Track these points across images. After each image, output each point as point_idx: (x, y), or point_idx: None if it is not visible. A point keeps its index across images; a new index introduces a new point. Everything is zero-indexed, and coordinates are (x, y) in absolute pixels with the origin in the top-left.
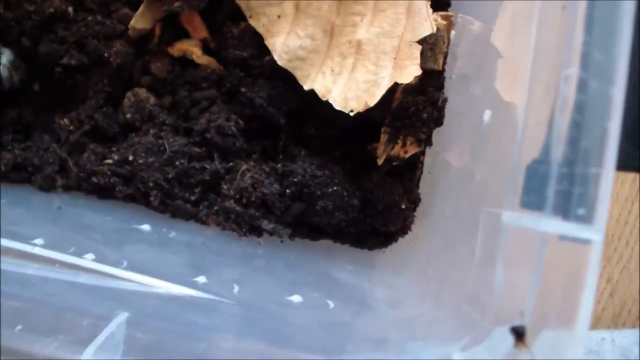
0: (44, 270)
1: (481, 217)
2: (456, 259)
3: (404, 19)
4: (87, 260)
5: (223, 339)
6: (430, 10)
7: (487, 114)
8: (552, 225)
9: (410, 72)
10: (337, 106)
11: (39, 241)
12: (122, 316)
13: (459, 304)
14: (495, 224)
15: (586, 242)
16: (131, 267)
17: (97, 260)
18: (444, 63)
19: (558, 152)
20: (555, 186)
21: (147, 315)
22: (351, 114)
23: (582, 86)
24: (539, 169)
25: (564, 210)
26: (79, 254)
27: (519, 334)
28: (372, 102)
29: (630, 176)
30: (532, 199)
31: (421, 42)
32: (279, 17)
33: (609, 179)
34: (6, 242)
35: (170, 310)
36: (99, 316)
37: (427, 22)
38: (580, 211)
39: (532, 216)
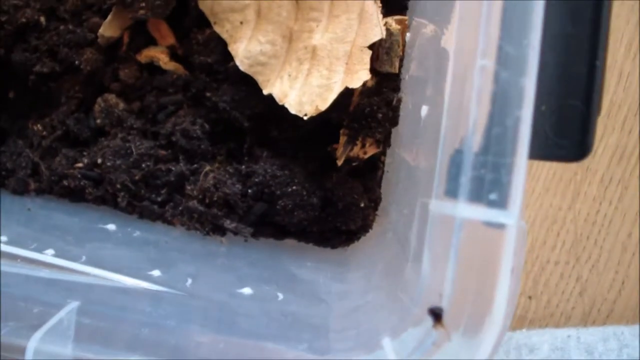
0: (4, 265)
1: (416, 208)
2: (399, 252)
3: (356, 24)
4: (47, 255)
5: (168, 326)
6: (381, 16)
7: (423, 110)
8: (468, 210)
9: (360, 77)
10: (292, 110)
11: (3, 238)
12: (73, 304)
13: (395, 292)
14: (424, 213)
15: (501, 226)
16: (90, 262)
17: (57, 255)
18: (400, 66)
19: (474, 141)
20: (471, 173)
21: (97, 304)
22: (305, 117)
23: (495, 77)
24: (458, 159)
25: (478, 196)
26: (40, 250)
27: (436, 315)
28: (324, 106)
29: (598, 175)
30: (452, 187)
31: (375, 46)
32: (241, 23)
33: (521, 165)
34: None
35: (120, 300)
36: (51, 305)
37: (377, 28)
38: (493, 196)
39: (451, 203)
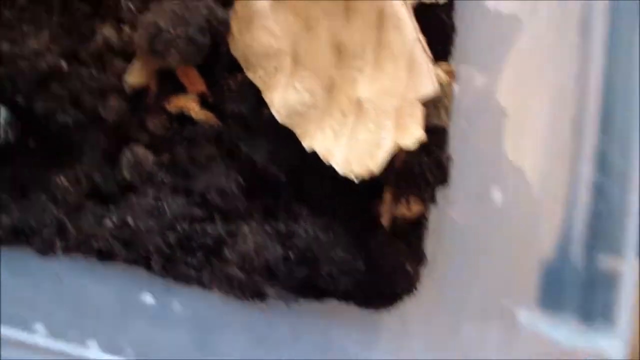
0: None
1: (492, 306)
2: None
3: (404, 76)
4: (92, 350)
5: None
6: (432, 66)
7: (496, 194)
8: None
9: (413, 134)
10: (341, 171)
11: (39, 327)
12: None
13: None
14: (509, 320)
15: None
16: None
17: (101, 345)
18: (448, 119)
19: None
20: (577, 291)
21: None
22: (355, 180)
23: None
24: (556, 268)
25: (585, 317)
26: (82, 339)
27: None
28: (376, 167)
29: None
30: (550, 300)
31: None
32: (276, 69)
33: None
34: (6, 331)
35: None
36: None
37: (429, 80)
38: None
39: (551, 320)
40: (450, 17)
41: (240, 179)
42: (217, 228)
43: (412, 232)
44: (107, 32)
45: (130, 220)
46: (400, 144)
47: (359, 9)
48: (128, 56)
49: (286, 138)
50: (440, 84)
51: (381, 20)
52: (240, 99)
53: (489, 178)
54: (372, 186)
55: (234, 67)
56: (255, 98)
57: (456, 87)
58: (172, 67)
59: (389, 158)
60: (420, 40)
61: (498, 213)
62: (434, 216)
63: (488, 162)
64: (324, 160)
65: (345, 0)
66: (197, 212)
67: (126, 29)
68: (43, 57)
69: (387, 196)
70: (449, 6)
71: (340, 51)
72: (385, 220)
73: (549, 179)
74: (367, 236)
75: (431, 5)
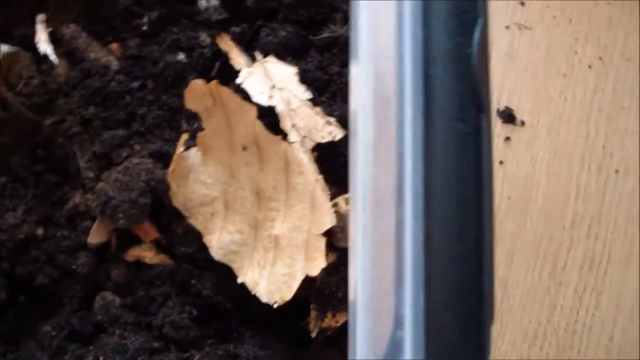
0: None
1: None
2: None
3: (309, 213)
4: None
5: None
6: (329, 203)
7: None
8: None
9: (318, 265)
10: (263, 299)
11: None
12: None
13: None
14: None
15: None
16: None
17: None
18: None
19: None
20: None
21: None
22: (275, 306)
23: None
24: None
25: None
26: None
27: None
28: (289, 296)
29: (572, 286)
30: None
31: (327, 232)
32: (212, 215)
33: None
34: None
35: None
36: None
37: (328, 216)
38: None
39: None
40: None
41: (194, 310)
42: (172, 358)
43: (343, 338)
44: (75, 198)
45: (101, 358)
46: (309, 273)
47: (270, 158)
48: (93, 217)
49: (228, 272)
50: (343, 215)
51: (287, 165)
52: (187, 242)
53: None
54: (303, 305)
55: (180, 214)
56: (199, 240)
57: None
58: (124, 226)
59: (299, 285)
60: (319, 181)
61: None
62: None
63: None
64: (251, 291)
65: (259, 150)
66: (156, 345)
67: (89, 195)
68: (20, 228)
69: (313, 313)
70: (347, 139)
71: (259, 194)
72: (314, 333)
73: None
74: (302, 348)
75: (331, 142)
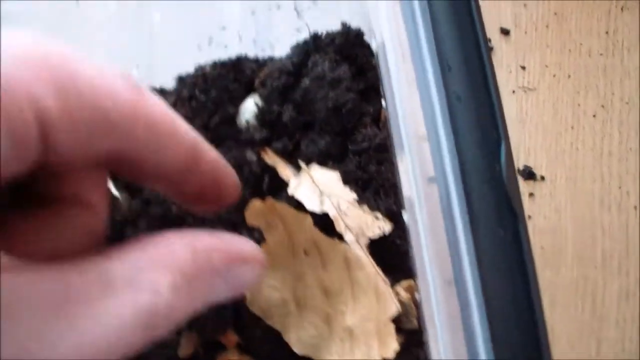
0: None
1: None
2: None
3: (375, 303)
4: None
5: None
6: (391, 291)
7: None
8: None
9: (392, 348)
10: None
11: None
12: None
13: None
14: None
15: None
16: None
17: None
18: (419, 323)
19: None
20: None
21: None
22: None
23: None
24: None
25: None
26: None
27: None
28: None
29: (612, 319)
30: None
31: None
32: (287, 314)
33: None
34: None
35: None
36: None
37: (392, 304)
38: None
39: None
40: (402, 238)
41: None
42: None
43: None
44: None
45: None
46: (385, 356)
47: (331, 258)
48: (179, 332)
49: None
50: (403, 302)
51: (348, 263)
52: (268, 342)
53: None
54: None
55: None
56: (277, 338)
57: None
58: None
59: None
60: (379, 273)
61: None
62: None
63: None
64: None
65: (319, 253)
66: None
67: None
68: None
69: None
70: (397, 230)
71: (326, 291)
72: None
73: None
74: None
75: (383, 236)
